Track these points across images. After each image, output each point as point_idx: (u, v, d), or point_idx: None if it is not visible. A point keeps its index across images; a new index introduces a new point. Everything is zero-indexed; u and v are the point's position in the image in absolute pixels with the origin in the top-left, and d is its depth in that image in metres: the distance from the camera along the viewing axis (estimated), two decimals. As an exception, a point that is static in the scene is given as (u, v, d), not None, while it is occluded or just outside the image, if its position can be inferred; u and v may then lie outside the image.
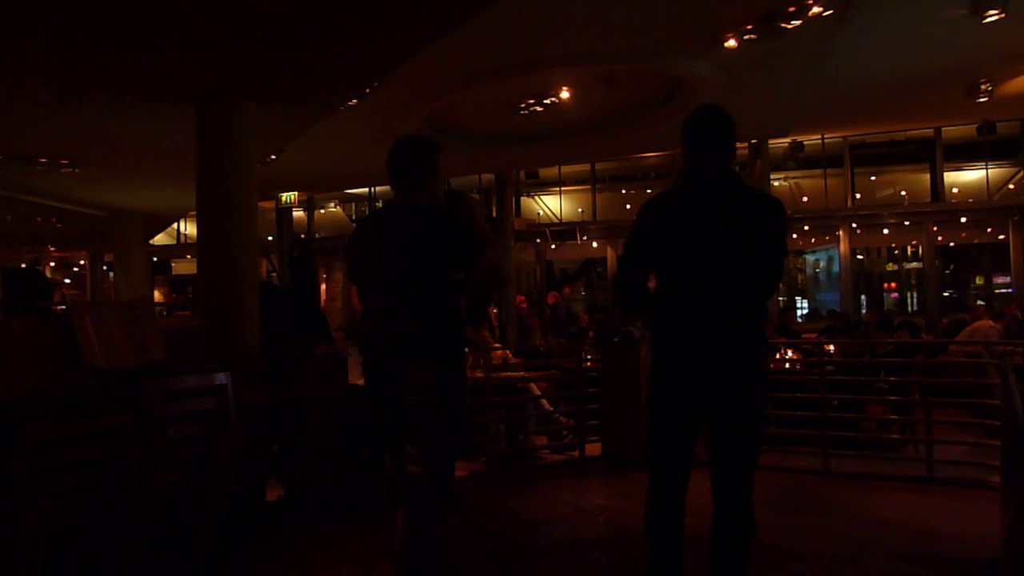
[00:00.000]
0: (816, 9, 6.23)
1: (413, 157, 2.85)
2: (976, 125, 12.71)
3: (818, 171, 15.12)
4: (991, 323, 8.44)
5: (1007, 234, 13.99)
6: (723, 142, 2.65)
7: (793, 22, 6.42)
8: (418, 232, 2.71)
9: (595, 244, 17.03)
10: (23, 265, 13.30)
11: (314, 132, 8.09)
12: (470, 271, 2.79)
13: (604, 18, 6.50)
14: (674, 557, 2.70)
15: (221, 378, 3.25)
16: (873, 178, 15.73)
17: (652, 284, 2.75)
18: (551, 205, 17.75)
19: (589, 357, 6.34)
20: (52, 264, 23.19)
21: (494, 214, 16.56)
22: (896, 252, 17.02)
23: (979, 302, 11.93)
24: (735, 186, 2.65)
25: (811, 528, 4.04)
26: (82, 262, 22.33)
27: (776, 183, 15.20)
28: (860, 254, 16.45)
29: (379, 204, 18.19)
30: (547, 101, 8.79)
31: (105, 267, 21.12)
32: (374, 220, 3.12)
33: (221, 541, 3.28)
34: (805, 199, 15.77)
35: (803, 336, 9.48)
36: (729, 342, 2.56)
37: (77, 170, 9.29)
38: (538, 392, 6.19)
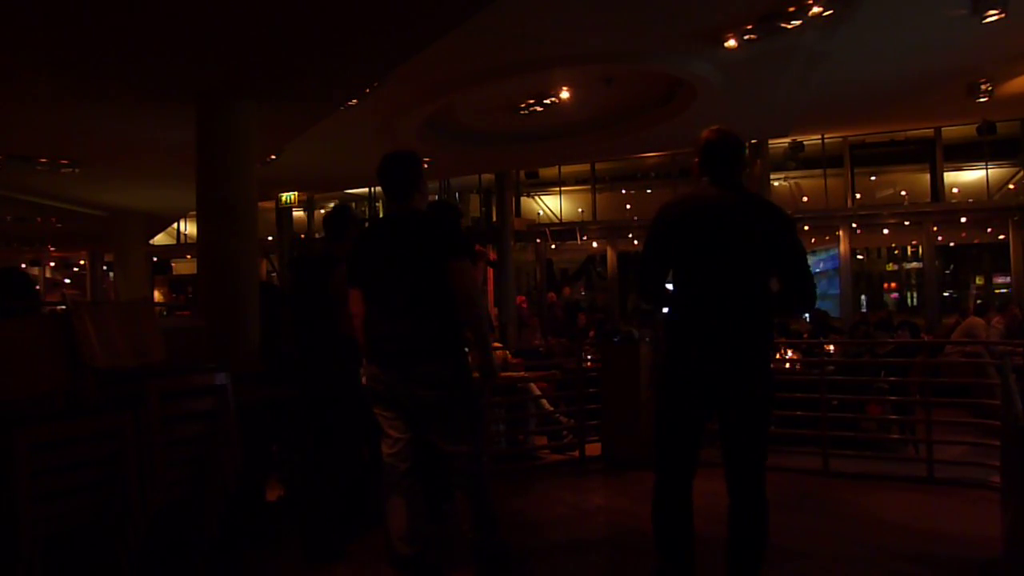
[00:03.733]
0: (816, 9, 6.23)
1: (410, 169, 3.15)
2: (976, 125, 12.70)
3: (818, 171, 15.11)
4: (980, 320, 8.40)
5: (1007, 234, 13.99)
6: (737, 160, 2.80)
7: (793, 22, 6.42)
8: (445, 238, 3.01)
9: (595, 244, 17.02)
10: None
11: (314, 132, 8.10)
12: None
13: (604, 18, 6.50)
14: (685, 556, 2.71)
15: (221, 378, 3.24)
16: (873, 178, 15.72)
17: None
18: (551, 205, 17.75)
19: (589, 357, 6.33)
20: (52, 264, 23.20)
21: (494, 214, 16.60)
22: (896, 252, 17.01)
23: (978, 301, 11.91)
24: (744, 195, 2.76)
25: (811, 528, 4.03)
26: (82, 262, 22.33)
27: (776, 183, 15.19)
28: (860, 254, 16.43)
29: (379, 205, 18.17)
30: (547, 101, 8.79)
31: (105, 267, 21.12)
32: (391, 228, 3.18)
33: (221, 541, 3.28)
34: (805, 199, 15.76)
35: (804, 336, 9.46)
36: (740, 339, 2.65)
37: (77, 170, 9.29)
38: (538, 392, 6.18)
